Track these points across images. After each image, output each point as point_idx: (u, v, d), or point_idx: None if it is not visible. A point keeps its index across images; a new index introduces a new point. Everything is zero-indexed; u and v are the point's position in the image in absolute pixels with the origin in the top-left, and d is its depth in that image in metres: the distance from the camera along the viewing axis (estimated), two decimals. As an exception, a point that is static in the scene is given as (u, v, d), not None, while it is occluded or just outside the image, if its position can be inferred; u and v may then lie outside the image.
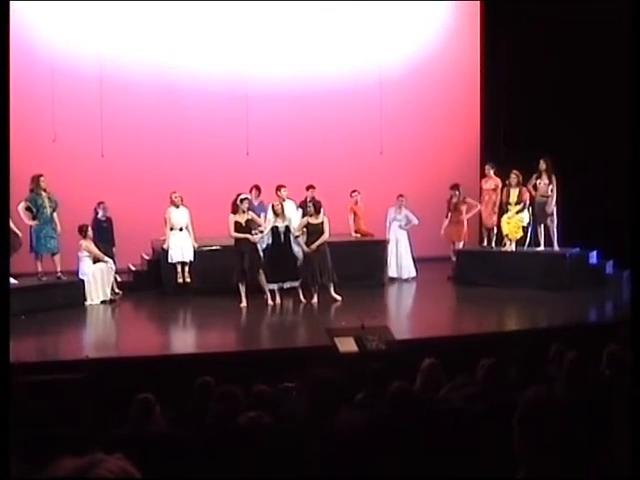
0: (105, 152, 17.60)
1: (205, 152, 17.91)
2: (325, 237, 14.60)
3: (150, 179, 17.22)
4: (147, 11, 17.93)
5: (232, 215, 14.42)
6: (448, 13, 19.94)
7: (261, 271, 14.47)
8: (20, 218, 14.34)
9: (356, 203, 17.04)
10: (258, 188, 16.25)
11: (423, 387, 6.54)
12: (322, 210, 14.77)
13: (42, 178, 14.59)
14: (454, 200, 16.72)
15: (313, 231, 14.59)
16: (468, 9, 19.88)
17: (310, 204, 14.83)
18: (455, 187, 16.77)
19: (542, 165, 15.69)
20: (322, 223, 14.61)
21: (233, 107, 18.07)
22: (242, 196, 14.53)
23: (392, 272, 16.80)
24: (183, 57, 18.02)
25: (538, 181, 15.78)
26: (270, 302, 14.44)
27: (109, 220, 15.73)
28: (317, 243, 14.49)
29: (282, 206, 14.74)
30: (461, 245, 16.85)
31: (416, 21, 19.62)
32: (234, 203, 14.50)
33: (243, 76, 18.07)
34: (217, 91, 18.02)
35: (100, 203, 15.69)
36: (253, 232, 14.48)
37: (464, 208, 16.74)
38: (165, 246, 15.32)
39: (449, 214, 16.78)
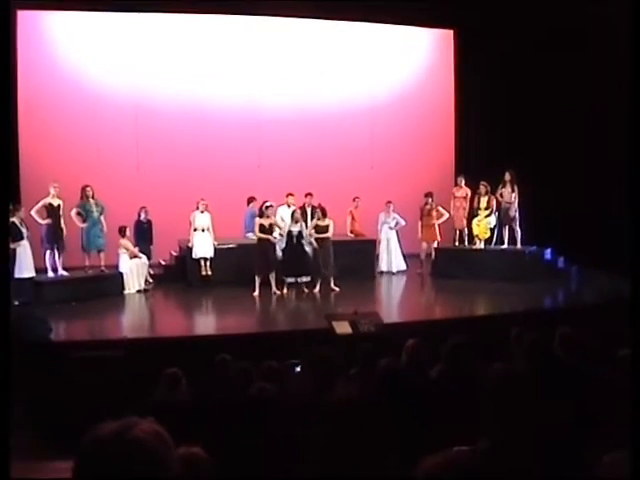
0: (140, 166, 17.66)
1: (223, 166, 17.94)
2: (328, 233, 14.75)
3: (177, 188, 17.24)
4: (173, 49, 18.04)
5: (258, 218, 14.54)
6: (426, 48, 20.07)
7: (275, 267, 14.54)
8: (72, 221, 14.48)
9: (356, 207, 17.11)
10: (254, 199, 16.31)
11: (407, 363, 6.53)
12: (327, 214, 14.90)
13: (88, 188, 14.74)
14: (427, 207, 16.69)
15: (321, 231, 14.76)
16: (443, 42, 20.04)
17: (318, 210, 14.98)
18: (429, 195, 16.75)
19: (507, 176, 15.79)
20: (328, 225, 14.74)
21: (247, 129, 18.12)
22: (267, 203, 14.66)
23: (384, 266, 16.87)
24: (205, 88, 18.10)
25: (503, 190, 15.86)
26: (277, 292, 14.48)
27: (149, 222, 15.71)
28: (320, 236, 14.67)
29: (299, 213, 14.90)
30: (435, 245, 16.81)
31: (399, 54, 19.74)
32: (260, 209, 14.63)
33: (255, 104, 18.21)
34: (234, 116, 18.08)
35: (142, 208, 15.67)
36: (274, 234, 14.61)
37: (435, 214, 16.71)
38: (190, 244, 15.35)
39: (422, 218, 16.78)
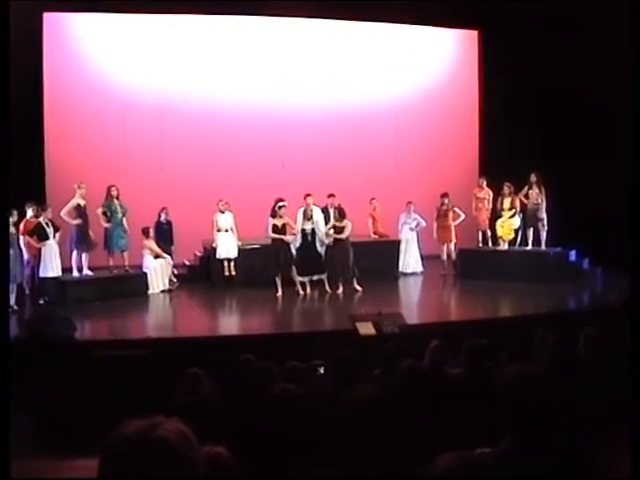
0: (164, 167, 17.74)
1: (247, 166, 17.96)
2: (342, 235, 14.66)
3: (201, 189, 17.28)
4: (198, 51, 18.14)
5: (271, 219, 14.53)
6: (450, 48, 20.02)
7: (293, 266, 14.55)
8: (96, 221, 14.55)
9: (374, 209, 17.04)
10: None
11: (430, 364, 6.53)
12: (346, 215, 14.83)
13: (113, 188, 14.83)
14: (443, 207, 16.66)
15: (338, 232, 14.72)
16: (468, 43, 19.99)
17: (336, 211, 14.97)
18: (445, 196, 16.71)
19: (533, 178, 15.73)
20: (344, 227, 14.68)
21: (271, 130, 18.09)
22: (280, 203, 14.60)
23: (401, 267, 16.82)
24: (229, 89, 18.16)
25: (530, 191, 15.80)
26: (301, 292, 14.50)
27: (169, 223, 15.77)
28: (335, 236, 14.67)
29: (312, 211, 14.81)
30: (452, 246, 16.77)
31: (423, 55, 19.73)
32: (273, 209, 14.60)
33: (279, 105, 18.23)
34: (257, 116, 18.06)
35: (163, 208, 15.73)
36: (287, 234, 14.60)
37: (451, 215, 16.68)
38: (214, 245, 15.40)
39: (438, 219, 16.76)
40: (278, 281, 14.44)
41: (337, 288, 14.68)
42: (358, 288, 14.68)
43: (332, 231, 14.80)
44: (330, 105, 18.73)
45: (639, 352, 3.88)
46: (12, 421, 3.64)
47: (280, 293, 14.37)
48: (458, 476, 2.02)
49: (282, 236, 14.49)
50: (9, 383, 3.92)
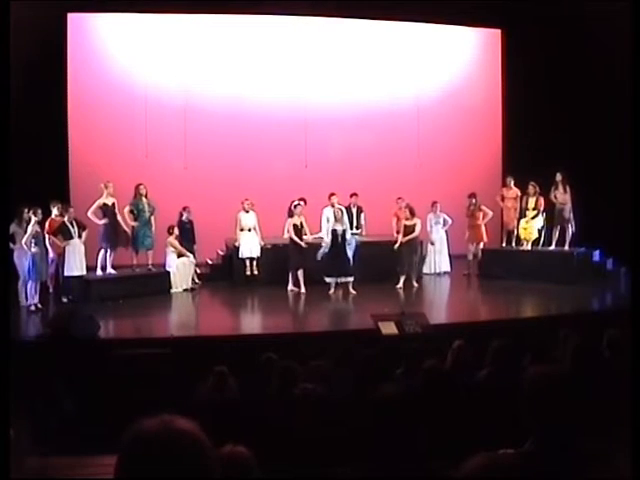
0: (187, 166, 17.80)
1: (270, 166, 17.99)
2: (413, 235, 15.07)
3: (224, 188, 17.33)
4: (221, 51, 18.26)
5: (290, 219, 14.59)
6: (474, 47, 19.95)
7: (302, 268, 14.66)
8: (123, 219, 14.63)
9: (400, 208, 16.95)
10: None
11: (453, 364, 6.49)
12: (415, 214, 15.27)
13: (141, 186, 14.88)
14: (471, 207, 16.63)
15: (408, 231, 15.04)
16: (491, 41, 19.92)
17: (407, 210, 15.26)
18: (472, 196, 16.70)
19: (558, 177, 15.64)
20: (415, 224, 15.02)
21: (294, 129, 18.17)
22: (295, 202, 14.69)
23: (431, 268, 16.79)
24: (252, 88, 18.17)
25: (556, 191, 15.70)
26: (304, 292, 14.59)
27: (191, 222, 15.74)
28: (407, 238, 15.04)
29: (342, 212, 14.81)
30: (481, 246, 16.73)
31: (446, 53, 19.67)
32: (289, 209, 14.63)
33: (302, 104, 18.25)
34: (281, 116, 18.14)
35: (185, 208, 15.72)
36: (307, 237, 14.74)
37: (480, 214, 16.63)
38: (236, 244, 15.43)
39: (468, 219, 16.72)
40: (291, 276, 14.67)
41: (397, 283, 14.94)
42: (415, 284, 15.04)
43: (402, 230, 15.13)
44: (353, 104, 18.72)
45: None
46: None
47: (291, 287, 14.64)
48: (483, 477, 2.00)
49: (300, 237, 14.67)
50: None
